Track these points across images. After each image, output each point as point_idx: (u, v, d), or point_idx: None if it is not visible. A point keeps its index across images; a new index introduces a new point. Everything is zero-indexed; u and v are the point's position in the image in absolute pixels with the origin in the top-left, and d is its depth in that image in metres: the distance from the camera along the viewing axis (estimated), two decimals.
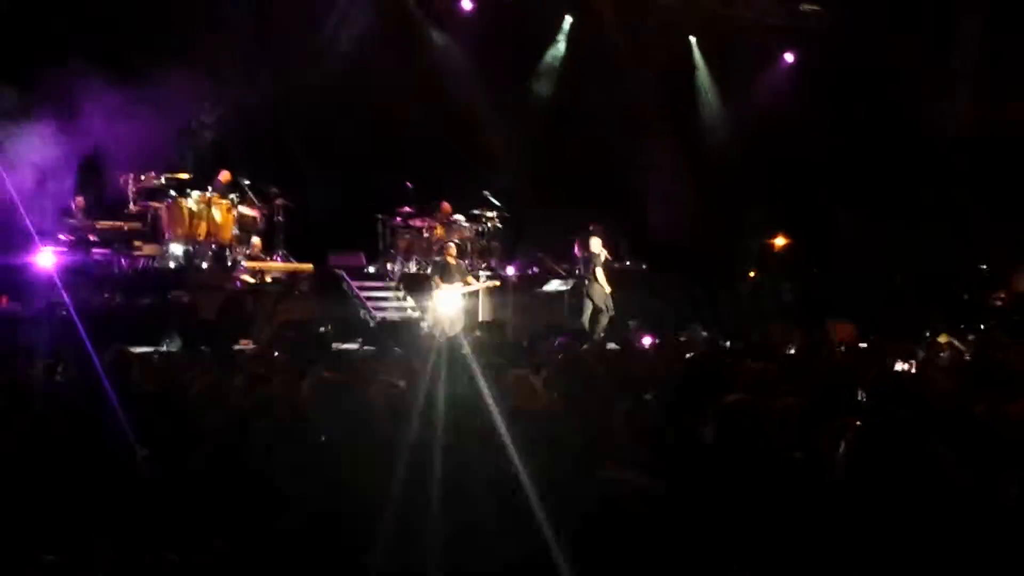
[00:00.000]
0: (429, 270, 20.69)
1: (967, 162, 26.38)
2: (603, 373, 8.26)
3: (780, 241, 28.47)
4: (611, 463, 4.93)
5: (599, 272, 21.31)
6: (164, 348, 15.24)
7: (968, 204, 26.31)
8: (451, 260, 20.20)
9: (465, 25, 25.34)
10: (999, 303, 24.83)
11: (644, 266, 22.87)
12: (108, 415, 6.47)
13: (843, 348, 14.45)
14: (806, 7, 27.25)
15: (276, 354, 11.39)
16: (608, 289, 21.20)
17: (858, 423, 4.36)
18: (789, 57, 28.46)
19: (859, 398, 7.30)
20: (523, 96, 26.69)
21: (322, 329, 16.27)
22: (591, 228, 23.36)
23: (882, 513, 3.47)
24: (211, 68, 21.27)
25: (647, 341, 15.85)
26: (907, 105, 25.77)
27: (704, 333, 19.98)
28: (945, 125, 26.66)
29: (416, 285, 20.48)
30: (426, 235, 21.75)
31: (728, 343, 16.49)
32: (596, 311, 21.14)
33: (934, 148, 26.47)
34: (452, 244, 20.74)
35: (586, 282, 21.41)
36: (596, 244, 21.62)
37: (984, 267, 26.70)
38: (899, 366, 12.21)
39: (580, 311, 21.26)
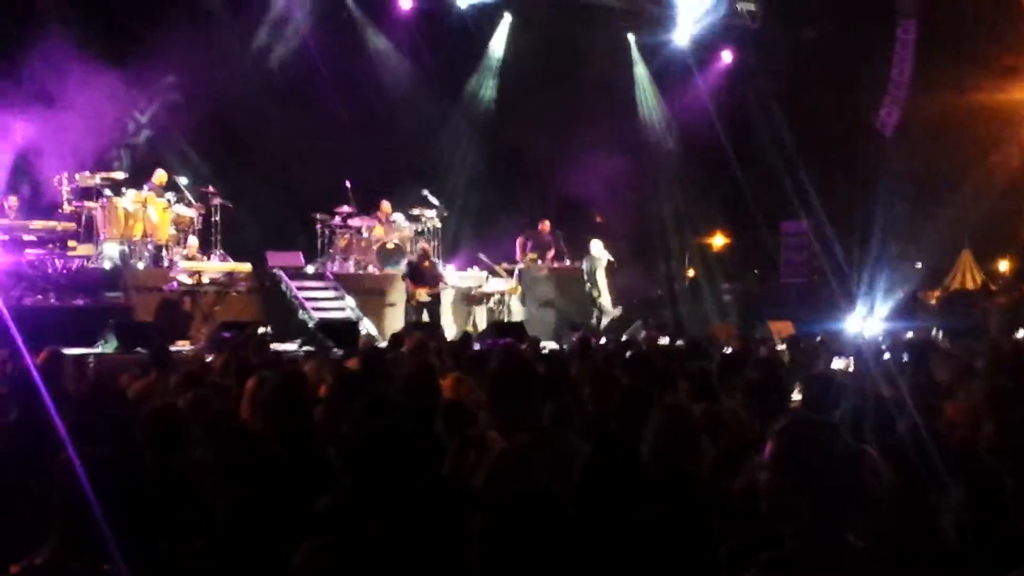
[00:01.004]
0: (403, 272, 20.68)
1: (903, 161, 26.70)
2: (540, 374, 8.25)
3: (720, 241, 28.68)
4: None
5: (600, 275, 21.55)
6: (100, 349, 15.08)
7: (903, 202, 26.64)
8: (427, 264, 20.25)
9: (404, 25, 25.25)
10: (934, 302, 25.14)
11: (581, 265, 22.87)
12: (40, 417, 6.34)
13: (782, 346, 14.57)
14: (742, 5, 27.42)
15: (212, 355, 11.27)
16: (605, 291, 21.56)
17: (782, 424, 4.37)
18: (727, 55, 28.62)
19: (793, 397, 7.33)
20: (463, 95, 26.68)
21: (261, 330, 16.12)
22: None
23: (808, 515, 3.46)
24: (146, 67, 21.06)
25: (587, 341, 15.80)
26: (843, 104, 26.00)
27: (644, 332, 20.09)
28: (881, 123, 26.94)
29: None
30: (365, 235, 21.65)
31: (669, 341, 16.58)
32: (601, 312, 21.44)
33: (871, 146, 26.76)
34: (426, 246, 20.79)
35: (588, 285, 21.60)
36: (597, 247, 21.86)
37: (919, 266, 27.03)
38: (836, 363, 12.31)
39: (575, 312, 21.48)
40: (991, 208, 25.88)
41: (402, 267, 21.08)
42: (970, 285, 27.26)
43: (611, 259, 22.32)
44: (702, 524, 4.53)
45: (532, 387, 5.50)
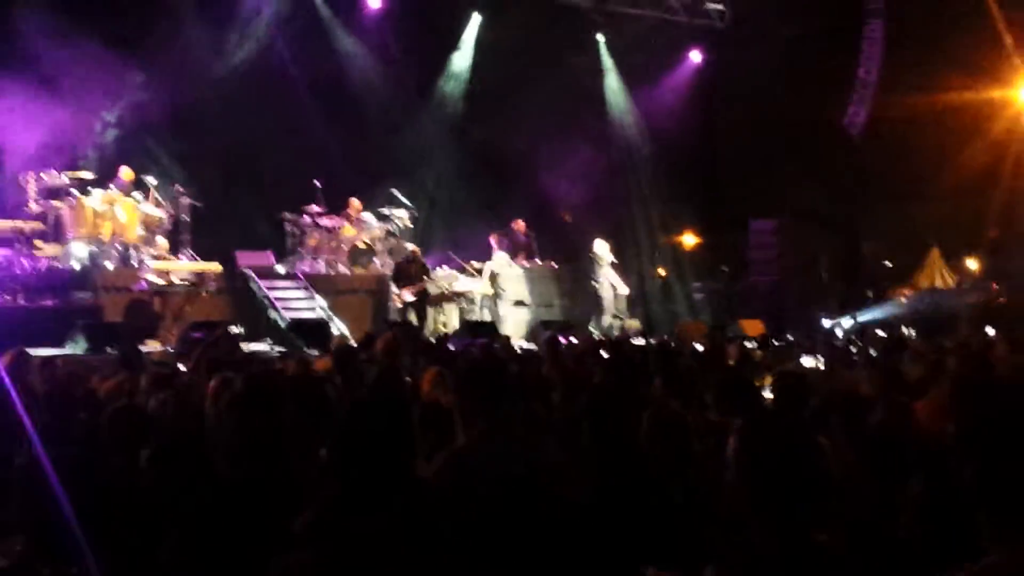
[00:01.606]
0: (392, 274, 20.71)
1: (872, 160, 26.83)
2: (514, 374, 8.25)
3: (690, 240, 28.75)
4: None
5: (603, 273, 21.61)
6: (69, 350, 14.99)
7: (872, 201, 26.78)
8: (413, 264, 20.26)
9: (373, 23, 25.21)
10: (903, 300, 25.27)
11: (555, 264, 22.88)
12: (8, 418, 6.30)
13: (753, 345, 14.61)
14: (710, 5, 27.50)
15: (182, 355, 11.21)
16: (614, 291, 21.59)
17: (744, 421, 4.39)
18: (696, 55, 28.69)
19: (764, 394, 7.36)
20: (433, 94, 26.66)
21: (232, 329, 16.07)
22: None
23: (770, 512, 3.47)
24: (115, 65, 20.93)
25: (561, 340, 15.80)
26: (811, 103, 26.10)
27: (617, 332, 20.15)
28: (848, 123, 27.08)
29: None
30: (335, 234, 21.60)
31: (643, 341, 16.62)
32: (601, 311, 21.47)
33: (839, 145, 26.89)
34: (415, 247, 20.84)
35: (594, 284, 21.87)
36: (601, 247, 21.92)
37: (889, 264, 27.16)
38: (806, 361, 12.38)
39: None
40: (960, 206, 26.02)
41: (376, 267, 21.17)
42: (939, 283, 27.40)
43: (614, 260, 22.44)
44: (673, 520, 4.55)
45: (499, 387, 5.49)
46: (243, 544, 4.21)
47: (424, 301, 20.12)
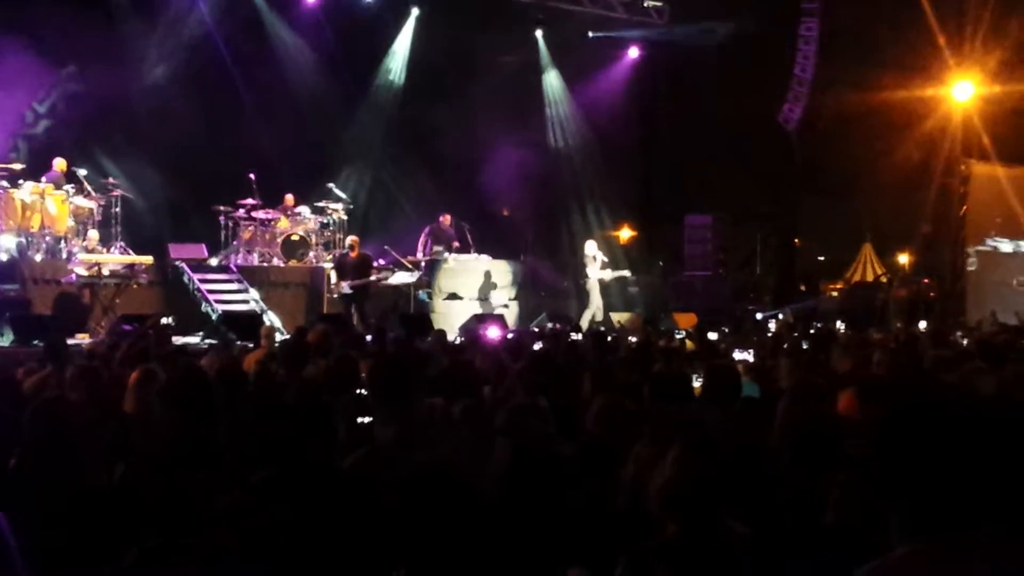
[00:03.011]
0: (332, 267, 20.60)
1: (806, 156, 27.05)
2: (443, 368, 8.23)
3: (626, 234, 28.87)
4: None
5: (593, 272, 21.71)
6: None
7: (806, 197, 27.02)
8: (352, 256, 20.13)
9: (310, 16, 25.06)
10: (835, 294, 25.54)
11: (489, 257, 22.87)
12: None
13: (685, 338, 14.69)
14: (649, 3, 27.59)
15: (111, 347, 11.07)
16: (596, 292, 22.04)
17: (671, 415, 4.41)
18: (633, 51, 28.78)
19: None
20: (369, 88, 26.56)
21: (164, 320, 15.93)
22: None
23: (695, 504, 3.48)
24: (46, 56, 20.69)
25: (494, 333, 15.80)
26: (747, 100, 26.26)
27: (550, 325, 20.16)
28: (784, 119, 27.29)
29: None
30: (269, 227, 21.47)
31: (577, 335, 16.63)
32: (587, 308, 21.89)
33: (774, 142, 27.08)
34: (355, 238, 20.69)
35: (582, 281, 22.33)
36: (591, 247, 22.03)
37: (822, 258, 27.44)
38: (738, 355, 12.45)
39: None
40: (892, 203, 26.32)
41: (310, 259, 21.09)
42: (871, 277, 27.71)
43: (605, 259, 22.55)
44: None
45: (410, 382, 5.48)
46: (166, 528, 4.17)
47: (363, 294, 19.99)
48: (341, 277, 19.92)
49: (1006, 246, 24.85)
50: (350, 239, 20.71)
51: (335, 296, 20.15)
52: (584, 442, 5.65)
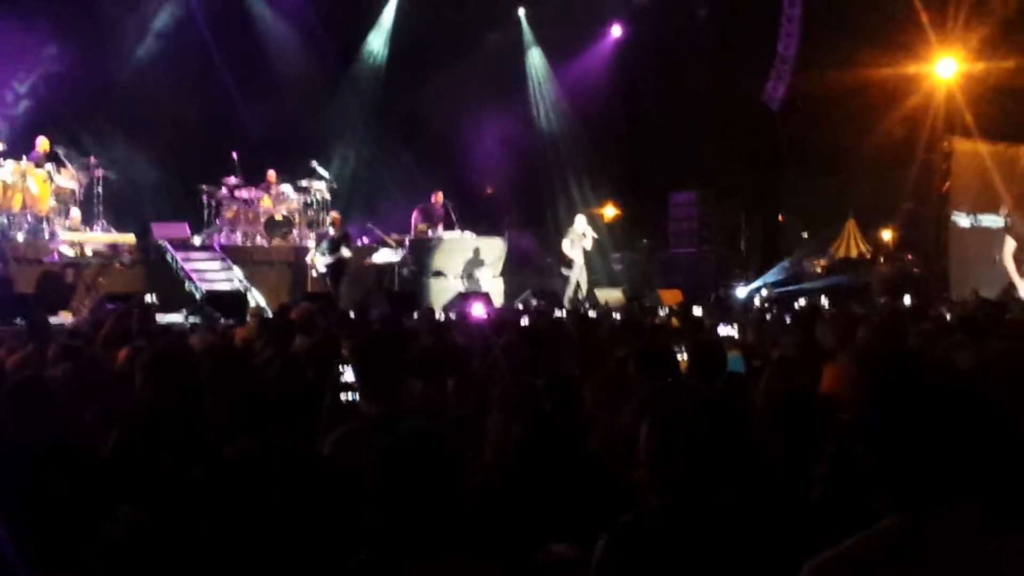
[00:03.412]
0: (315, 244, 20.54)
1: (790, 134, 27.07)
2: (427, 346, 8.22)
3: (610, 211, 28.87)
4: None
5: (577, 250, 21.81)
6: None
7: (790, 174, 27.06)
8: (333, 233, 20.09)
9: None
10: (819, 270, 25.58)
11: (474, 235, 22.85)
12: None
13: (670, 314, 14.71)
14: None
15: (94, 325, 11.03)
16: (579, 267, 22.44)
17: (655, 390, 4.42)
18: (616, 30, 28.72)
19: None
20: (353, 66, 26.50)
21: (148, 300, 15.89)
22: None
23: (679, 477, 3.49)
24: (26, 37, 20.57)
25: (479, 310, 15.79)
26: (731, 78, 26.27)
27: (535, 301, 20.18)
28: (767, 97, 27.29)
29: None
30: (252, 206, 21.42)
31: (562, 312, 16.66)
32: (577, 285, 22.11)
33: (758, 119, 27.08)
34: (335, 215, 20.66)
35: (571, 257, 22.53)
36: (580, 222, 22.09)
37: (805, 235, 27.48)
38: (723, 331, 12.46)
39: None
40: (875, 180, 26.35)
41: (294, 238, 21.06)
42: (854, 254, 27.75)
43: (594, 236, 22.60)
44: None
45: (394, 359, 5.47)
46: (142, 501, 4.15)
47: (340, 270, 19.91)
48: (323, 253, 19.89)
49: (987, 220, 24.93)
50: (331, 215, 20.68)
51: (313, 274, 20.09)
52: (578, 418, 5.66)
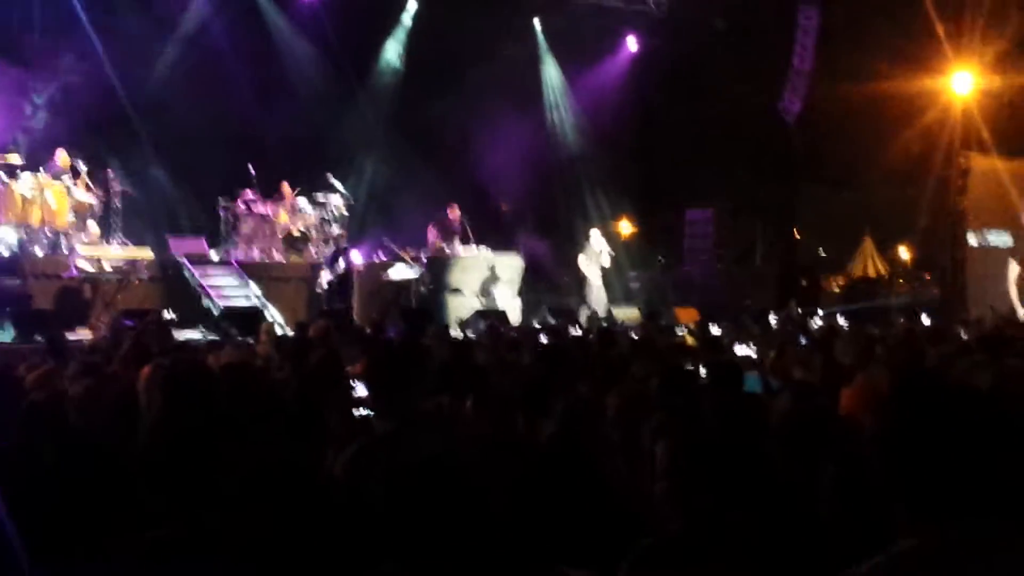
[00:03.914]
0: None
1: (806, 149, 27.04)
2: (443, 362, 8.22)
3: (626, 228, 28.86)
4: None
5: (593, 267, 21.85)
6: None
7: (807, 190, 27.02)
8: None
9: (308, 7, 25.05)
10: (837, 289, 25.54)
11: (490, 251, 22.83)
12: None
13: (687, 333, 14.69)
14: None
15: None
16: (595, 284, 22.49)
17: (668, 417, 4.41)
18: (632, 42, 28.74)
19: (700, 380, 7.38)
20: (368, 80, 26.56)
21: (165, 316, 15.95)
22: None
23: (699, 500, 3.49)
24: (45, 48, 20.68)
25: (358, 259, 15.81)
26: (747, 91, 26.26)
27: (552, 320, 20.14)
28: (783, 111, 27.27)
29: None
30: (270, 221, 21.46)
31: (578, 329, 16.65)
32: (585, 303, 22.34)
33: (774, 134, 27.06)
34: (339, 231, 20.70)
35: (587, 274, 22.63)
36: (595, 238, 22.13)
37: (823, 253, 27.44)
38: (740, 350, 12.43)
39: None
40: (892, 196, 26.33)
41: (311, 254, 21.06)
42: (872, 272, 27.73)
43: (611, 252, 22.63)
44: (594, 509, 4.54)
45: (409, 377, 5.47)
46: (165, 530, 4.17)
47: (346, 286, 19.76)
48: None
49: (1002, 239, 24.86)
50: (335, 232, 20.63)
51: (319, 291, 19.99)
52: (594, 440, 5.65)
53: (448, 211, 22.66)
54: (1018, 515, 2.48)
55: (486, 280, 22.07)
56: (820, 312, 21.54)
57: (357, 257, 22.04)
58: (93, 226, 19.53)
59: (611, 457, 5.38)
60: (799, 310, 21.24)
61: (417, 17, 26.65)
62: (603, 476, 4.93)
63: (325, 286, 19.65)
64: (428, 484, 3.21)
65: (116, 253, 19.34)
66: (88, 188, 19.50)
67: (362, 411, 6.34)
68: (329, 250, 20.30)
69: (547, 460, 4.89)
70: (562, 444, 5.12)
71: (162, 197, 21.78)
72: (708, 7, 26.32)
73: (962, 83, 25.59)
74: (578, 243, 23.78)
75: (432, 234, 22.43)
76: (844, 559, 2.72)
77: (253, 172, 21.18)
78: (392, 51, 26.87)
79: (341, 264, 19.62)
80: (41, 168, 19.00)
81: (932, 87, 25.94)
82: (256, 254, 21.19)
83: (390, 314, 19.20)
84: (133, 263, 19.08)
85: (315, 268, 20.90)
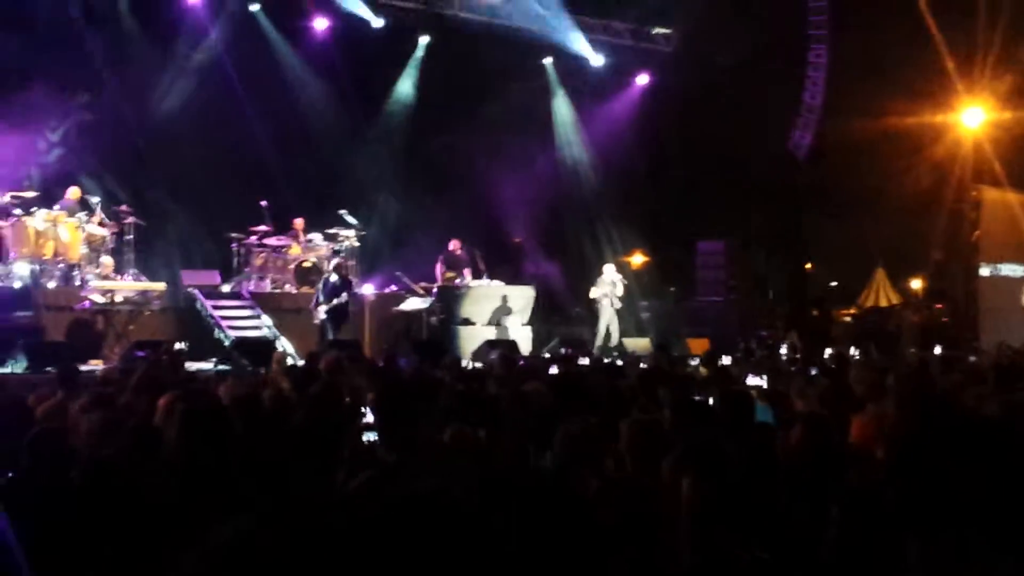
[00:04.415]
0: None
1: (817, 182, 27.07)
2: (456, 394, 8.23)
3: (638, 259, 28.88)
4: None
5: (606, 301, 21.82)
6: (9, 369, 14.86)
7: (818, 223, 27.03)
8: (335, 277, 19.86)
9: (320, 45, 25.20)
10: (848, 319, 25.50)
11: (502, 283, 22.85)
12: None
13: (699, 364, 14.65)
14: (657, 30, 27.69)
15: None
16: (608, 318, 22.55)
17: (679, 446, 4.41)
18: (643, 78, 28.85)
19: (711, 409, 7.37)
20: (380, 116, 26.67)
21: (178, 346, 15.98)
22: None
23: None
24: (59, 85, 20.82)
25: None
26: (757, 127, 26.30)
27: (563, 350, 20.14)
28: (794, 146, 27.31)
29: None
30: (281, 254, 21.52)
31: (587, 360, 16.63)
32: (607, 334, 22.27)
33: (785, 168, 27.09)
34: (340, 262, 20.57)
35: (600, 306, 22.59)
36: (609, 271, 22.21)
37: (835, 284, 27.41)
38: (752, 381, 12.40)
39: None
40: (904, 228, 26.33)
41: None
42: (883, 303, 27.68)
43: (625, 282, 22.67)
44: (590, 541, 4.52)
45: (413, 409, 5.48)
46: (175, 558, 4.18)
47: (339, 318, 19.51)
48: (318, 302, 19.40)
49: (1014, 270, 24.85)
50: (333, 262, 20.43)
51: (315, 322, 19.45)
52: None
53: (450, 245, 22.70)
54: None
55: (497, 310, 22.08)
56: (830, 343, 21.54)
57: (368, 289, 22.08)
58: (106, 259, 19.60)
59: (612, 490, 5.37)
60: (801, 342, 21.22)
61: (428, 53, 26.78)
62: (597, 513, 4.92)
63: (322, 316, 19.21)
64: (419, 520, 3.22)
65: (129, 285, 19.41)
66: (101, 222, 19.59)
67: (371, 437, 6.35)
68: (329, 282, 19.82)
69: (540, 495, 4.87)
70: (557, 479, 5.11)
71: (175, 232, 21.84)
72: (718, 43, 26.39)
73: (973, 117, 25.63)
74: (590, 275, 23.79)
75: (439, 268, 22.49)
76: None
77: (265, 208, 21.25)
78: (404, 87, 26.99)
79: (344, 296, 19.38)
80: (55, 204, 19.11)
81: (943, 121, 26.01)
82: (268, 285, 21.24)
83: (401, 345, 19.16)
84: (145, 295, 19.14)
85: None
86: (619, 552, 4.39)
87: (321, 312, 19.16)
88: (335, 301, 19.16)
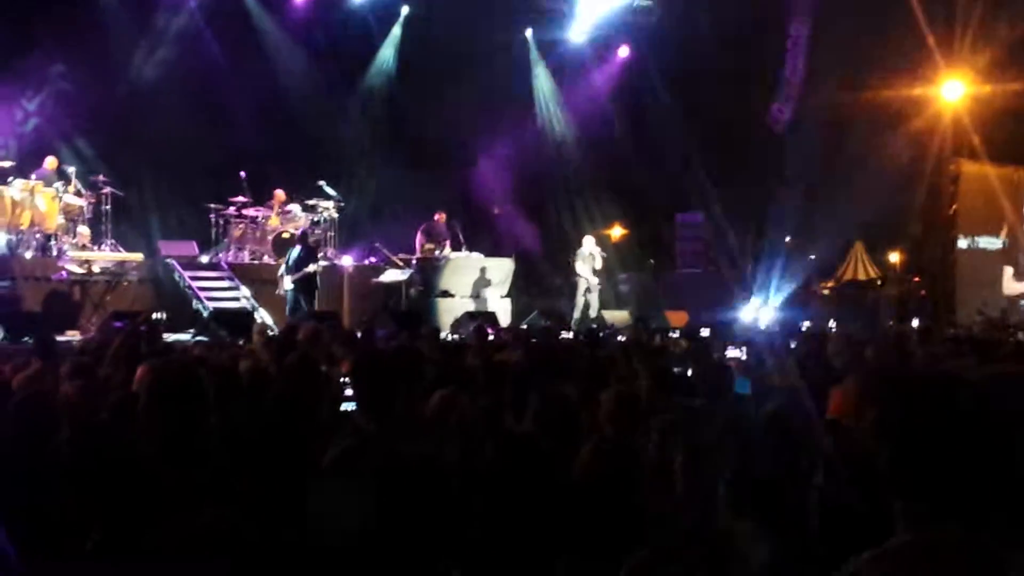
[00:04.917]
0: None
1: (797, 155, 27.07)
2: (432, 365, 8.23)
3: (617, 232, 28.88)
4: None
5: (586, 272, 21.82)
6: None
7: (797, 196, 27.04)
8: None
9: (300, 15, 25.06)
10: (826, 292, 25.58)
11: (482, 255, 22.84)
12: None
13: (679, 336, 14.71)
14: (639, 2, 27.61)
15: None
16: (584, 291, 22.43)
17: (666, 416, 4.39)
18: (624, 50, 28.79)
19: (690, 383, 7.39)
20: (360, 87, 26.57)
21: (155, 316, 15.91)
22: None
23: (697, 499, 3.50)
24: (35, 54, 20.67)
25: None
26: (738, 99, 26.28)
27: (543, 322, 20.16)
28: (774, 119, 27.30)
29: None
30: (260, 224, 21.45)
31: (569, 332, 16.66)
32: (585, 305, 22.24)
33: (765, 141, 27.10)
34: (304, 229, 20.44)
35: (574, 279, 22.63)
36: (588, 243, 22.10)
37: (813, 257, 27.46)
38: (731, 353, 12.44)
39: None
40: (882, 202, 26.35)
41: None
42: (862, 276, 27.77)
43: (603, 255, 22.63)
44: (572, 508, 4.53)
45: (391, 380, 5.47)
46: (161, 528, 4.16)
47: (310, 287, 19.22)
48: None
49: (991, 243, 24.96)
50: (300, 230, 20.22)
51: (280, 293, 19.20)
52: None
53: (435, 216, 22.68)
54: (1010, 508, 2.47)
55: (476, 282, 22.08)
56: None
57: (347, 260, 22.03)
58: (83, 229, 19.52)
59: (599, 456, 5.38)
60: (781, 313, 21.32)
61: (408, 23, 26.65)
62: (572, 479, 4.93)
63: (288, 287, 18.84)
64: (404, 487, 3.22)
65: (106, 256, 19.32)
66: (78, 192, 19.49)
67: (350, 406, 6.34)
68: (294, 252, 19.21)
69: (519, 455, 4.88)
70: (534, 440, 5.11)
71: (153, 202, 21.75)
72: (699, 16, 26.32)
73: (952, 91, 25.66)
74: (570, 248, 23.80)
75: (420, 239, 22.44)
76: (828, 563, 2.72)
77: (244, 179, 21.16)
78: (384, 58, 26.87)
79: (312, 267, 19.11)
80: (32, 174, 18.99)
81: (923, 95, 26.00)
82: (246, 257, 21.18)
83: (380, 316, 19.10)
84: (123, 265, 19.06)
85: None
86: (600, 512, 4.41)
87: (287, 282, 18.90)
88: (303, 271, 18.86)
